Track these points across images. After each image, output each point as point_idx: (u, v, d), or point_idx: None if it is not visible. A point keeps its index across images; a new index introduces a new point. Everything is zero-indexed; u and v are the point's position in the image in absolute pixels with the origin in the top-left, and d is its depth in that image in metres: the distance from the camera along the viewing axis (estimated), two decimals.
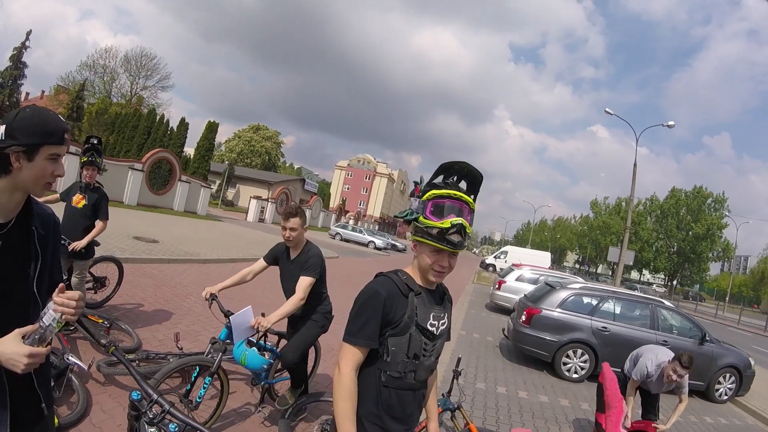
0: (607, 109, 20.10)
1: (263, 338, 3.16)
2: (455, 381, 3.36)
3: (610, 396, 2.78)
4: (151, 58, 44.27)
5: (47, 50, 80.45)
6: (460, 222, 1.42)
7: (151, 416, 1.36)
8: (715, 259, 52.84)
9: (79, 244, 3.99)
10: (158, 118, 31.69)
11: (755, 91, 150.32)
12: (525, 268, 12.86)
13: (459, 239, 1.43)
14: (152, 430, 1.35)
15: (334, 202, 55.90)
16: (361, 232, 31.99)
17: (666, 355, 3.76)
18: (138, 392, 1.39)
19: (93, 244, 4.28)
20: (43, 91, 45.45)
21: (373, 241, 30.57)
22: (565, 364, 6.44)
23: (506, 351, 7.41)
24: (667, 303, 7.26)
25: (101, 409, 2.95)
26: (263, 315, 2.86)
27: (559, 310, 6.69)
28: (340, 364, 1.45)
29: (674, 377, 3.53)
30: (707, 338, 6.59)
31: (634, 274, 64.08)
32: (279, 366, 3.41)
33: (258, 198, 31.16)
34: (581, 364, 6.43)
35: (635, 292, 9.38)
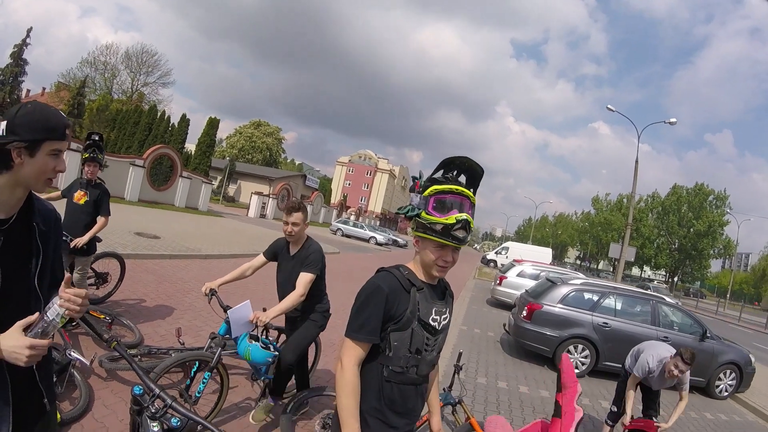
0: (609, 106, 19.90)
1: (265, 333, 3.16)
2: (456, 376, 3.37)
3: (565, 378, 3.05)
4: (152, 54, 44.18)
5: (48, 47, 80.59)
6: (465, 218, 1.42)
7: (153, 411, 1.37)
8: (716, 256, 52.71)
9: (81, 241, 4.00)
10: (159, 114, 31.55)
11: (758, 89, 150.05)
12: (526, 264, 12.89)
13: (464, 234, 1.43)
14: (154, 424, 1.36)
15: (336, 197, 55.96)
16: (362, 227, 31.99)
17: (667, 350, 3.76)
18: (140, 387, 1.40)
19: (95, 240, 4.29)
20: (44, 88, 45.31)
21: (374, 237, 30.59)
22: None
23: (507, 346, 7.42)
24: (669, 300, 7.26)
25: (103, 404, 2.96)
26: (264, 310, 2.86)
27: (560, 305, 6.69)
28: (343, 359, 1.45)
29: (676, 372, 3.53)
30: (708, 335, 6.60)
31: (635, 271, 64.00)
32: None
33: (259, 194, 31.10)
34: (582, 359, 6.44)
35: (648, 291, 9.29)
